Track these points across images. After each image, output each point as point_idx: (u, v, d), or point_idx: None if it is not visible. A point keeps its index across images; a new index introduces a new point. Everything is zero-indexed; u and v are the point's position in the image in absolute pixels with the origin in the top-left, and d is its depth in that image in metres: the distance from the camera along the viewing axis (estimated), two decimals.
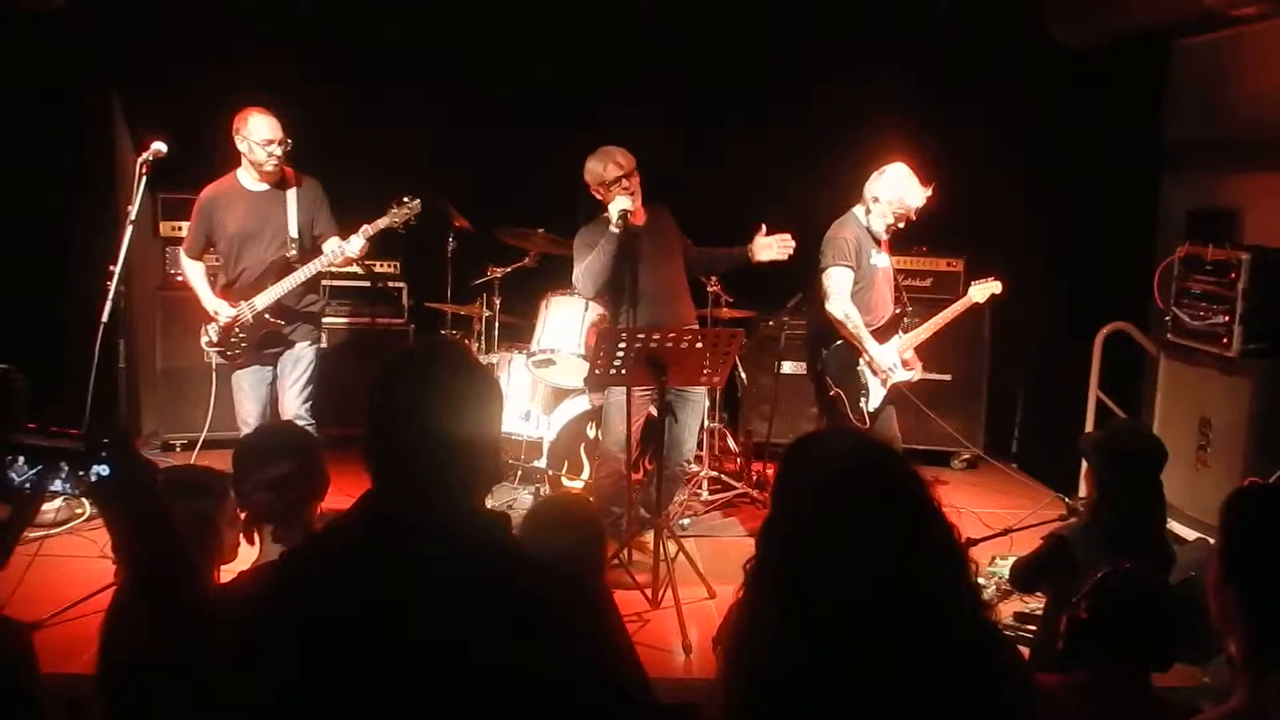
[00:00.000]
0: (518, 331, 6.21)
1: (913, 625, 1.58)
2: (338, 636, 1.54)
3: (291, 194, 5.07)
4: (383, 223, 5.03)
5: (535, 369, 5.56)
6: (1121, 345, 5.99)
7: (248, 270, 5.04)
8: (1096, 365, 6.01)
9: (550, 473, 5.63)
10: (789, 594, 1.63)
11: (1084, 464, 5.36)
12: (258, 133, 4.90)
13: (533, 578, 1.61)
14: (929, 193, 4.93)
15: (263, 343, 5.08)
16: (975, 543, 3.94)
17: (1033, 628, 4.14)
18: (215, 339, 5.04)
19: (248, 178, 5.06)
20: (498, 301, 6.13)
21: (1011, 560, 4.42)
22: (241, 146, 4.96)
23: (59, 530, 4.47)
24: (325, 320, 5.61)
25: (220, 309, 5.01)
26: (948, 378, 6.69)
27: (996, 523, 5.06)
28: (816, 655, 1.59)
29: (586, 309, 5.46)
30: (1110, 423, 5.06)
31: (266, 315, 5.02)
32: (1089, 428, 5.84)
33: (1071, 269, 6.44)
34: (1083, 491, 5.19)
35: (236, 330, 5.01)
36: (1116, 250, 6.15)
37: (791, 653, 1.61)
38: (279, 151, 4.95)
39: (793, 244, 4.94)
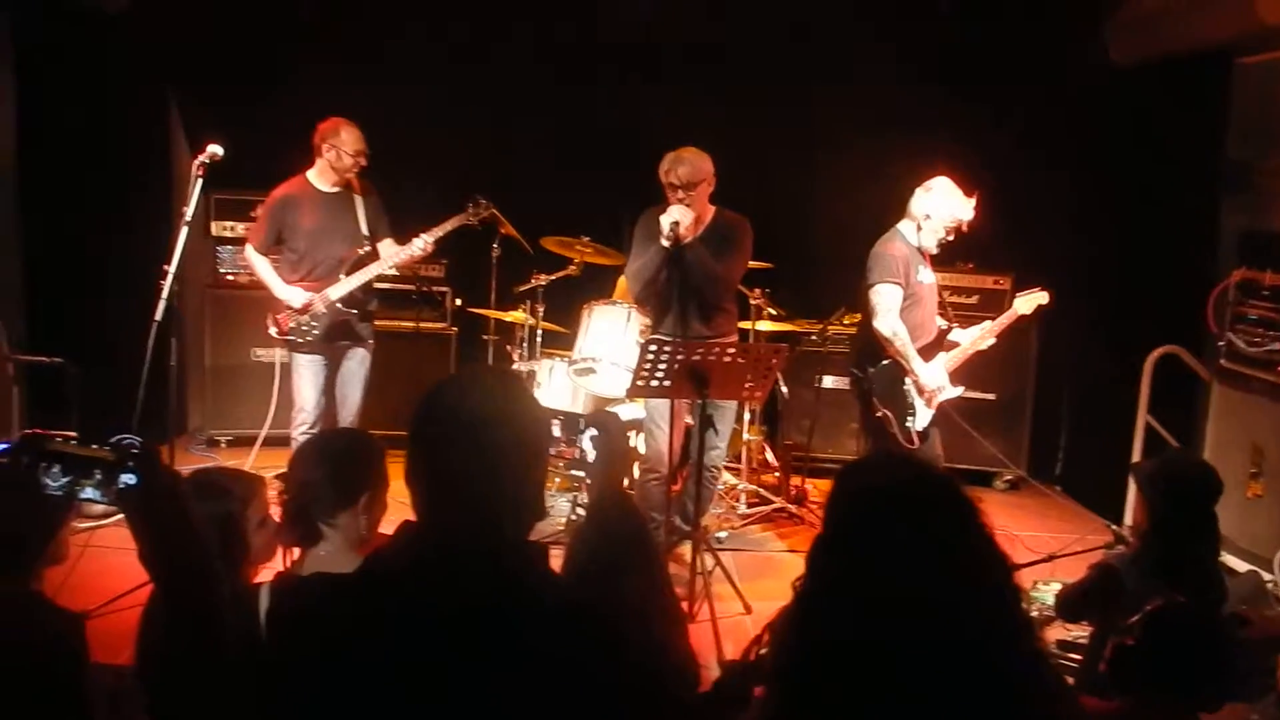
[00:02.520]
0: (560, 339, 6.23)
1: (961, 654, 1.58)
2: (369, 667, 1.54)
3: (358, 198, 5.42)
4: (456, 221, 5.37)
5: (576, 377, 5.57)
6: (1173, 370, 5.89)
7: (321, 265, 5.32)
8: (1146, 389, 5.91)
9: (589, 481, 5.63)
10: (838, 619, 1.63)
11: (1131, 491, 5.30)
12: (350, 143, 5.28)
13: (566, 617, 1.60)
14: (973, 202, 4.89)
15: (331, 334, 5.34)
16: (1018, 568, 3.90)
17: (1076, 656, 4.07)
18: (285, 327, 5.30)
19: (321, 180, 5.36)
20: (540, 309, 6.15)
21: (1054, 586, 4.37)
22: (329, 154, 5.28)
23: (109, 521, 4.54)
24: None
25: (294, 296, 5.25)
26: (992, 397, 6.63)
27: (1039, 546, 5.00)
28: (863, 680, 1.59)
29: (629, 319, 5.46)
30: (1164, 452, 4.99)
31: (339, 305, 5.30)
32: (1137, 453, 5.77)
33: (1123, 290, 6.36)
34: (1129, 519, 5.13)
35: (309, 319, 5.27)
36: (1170, 272, 6.05)
37: (839, 676, 1.61)
38: (363, 162, 5.33)
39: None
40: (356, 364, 5.49)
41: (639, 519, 1.97)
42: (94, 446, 1.70)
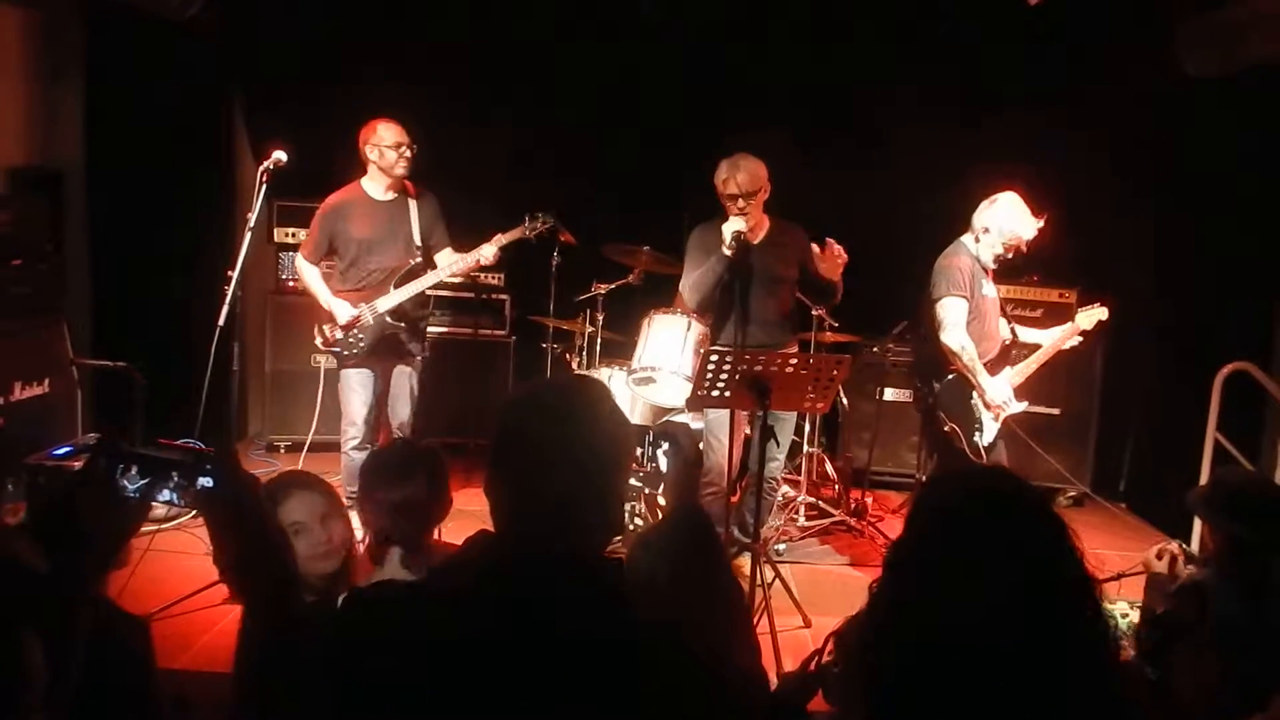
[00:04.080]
0: (619, 348, 6.22)
1: (1042, 666, 1.57)
2: (439, 676, 1.53)
3: (413, 204, 5.27)
4: (515, 234, 5.24)
5: (636, 386, 5.54)
6: (1243, 386, 5.75)
7: (373, 274, 5.20)
8: (1215, 406, 5.76)
9: (647, 491, 5.61)
10: (916, 624, 1.61)
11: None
12: (389, 137, 5.12)
13: (639, 632, 1.59)
14: (1040, 224, 4.81)
15: (378, 347, 5.22)
16: (1100, 583, 3.81)
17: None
18: (332, 338, 5.20)
19: (374, 187, 5.24)
20: (600, 318, 6.15)
21: (1121, 605, 4.28)
22: (372, 154, 5.15)
23: (169, 525, 4.59)
24: (429, 330, 5.70)
25: (341, 309, 5.14)
26: (1056, 412, 6.53)
27: (1105, 564, 4.89)
28: (939, 689, 1.58)
29: (689, 328, 5.43)
30: (1215, 474, 4.84)
31: (387, 318, 5.18)
32: (1205, 470, 5.62)
33: (1192, 304, 6.23)
34: (1196, 540, 5.00)
35: (356, 331, 5.16)
36: (1241, 287, 5.92)
37: (914, 686, 1.59)
38: (408, 155, 5.16)
39: (842, 258, 4.78)
40: (405, 380, 5.37)
41: (713, 531, 1.94)
42: (171, 449, 1.71)
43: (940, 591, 1.61)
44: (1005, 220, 4.80)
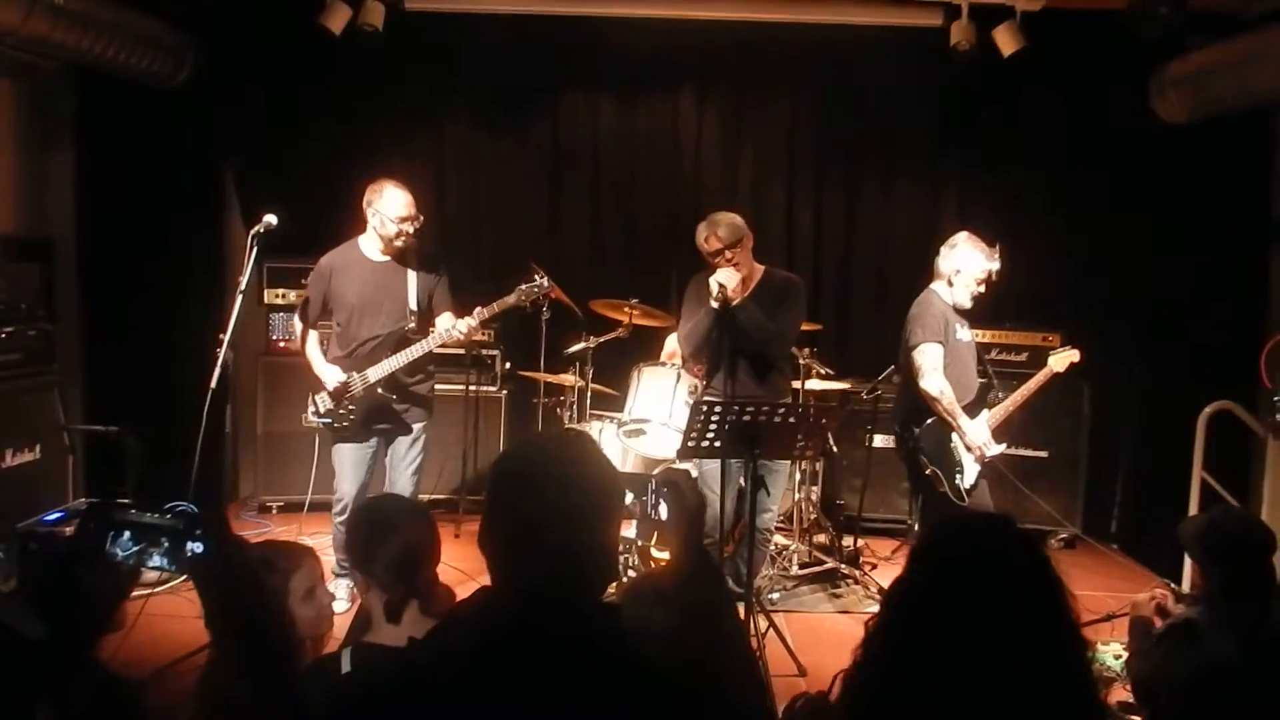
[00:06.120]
0: (610, 401, 6.24)
1: (1033, 708, 1.63)
2: None
3: (412, 266, 4.99)
4: (510, 300, 4.96)
5: (626, 439, 5.57)
6: (1228, 425, 5.80)
7: (365, 342, 4.93)
8: (1200, 445, 5.81)
9: (639, 543, 5.61)
10: (910, 662, 1.65)
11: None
12: (391, 208, 4.81)
13: (641, 678, 1.61)
14: (997, 251, 4.94)
15: (371, 417, 4.96)
16: (1083, 626, 3.83)
17: (1137, 718, 3.99)
18: (323, 410, 4.94)
19: (371, 247, 4.97)
20: (590, 371, 6.18)
21: (1114, 646, 4.29)
22: (373, 220, 4.87)
23: (162, 589, 4.57)
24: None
25: (331, 376, 4.88)
26: (1044, 455, 6.56)
27: (1097, 606, 4.90)
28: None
29: (678, 380, 5.47)
30: (1209, 512, 4.88)
31: (379, 389, 4.92)
32: (1193, 509, 5.66)
33: (1176, 345, 6.30)
34: (1187, 579, 5.02)
35: (346, 403, 4.91)
36: (1223, 327, 6.00)
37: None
38: (410, 230, 4.86)
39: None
40: (406, 447, 5.06)
41: (720, 576, 1.98)
42: (164, 514, 1.73)
43: (938, 631, 1.66)
44: (973, 258, 4.93)
